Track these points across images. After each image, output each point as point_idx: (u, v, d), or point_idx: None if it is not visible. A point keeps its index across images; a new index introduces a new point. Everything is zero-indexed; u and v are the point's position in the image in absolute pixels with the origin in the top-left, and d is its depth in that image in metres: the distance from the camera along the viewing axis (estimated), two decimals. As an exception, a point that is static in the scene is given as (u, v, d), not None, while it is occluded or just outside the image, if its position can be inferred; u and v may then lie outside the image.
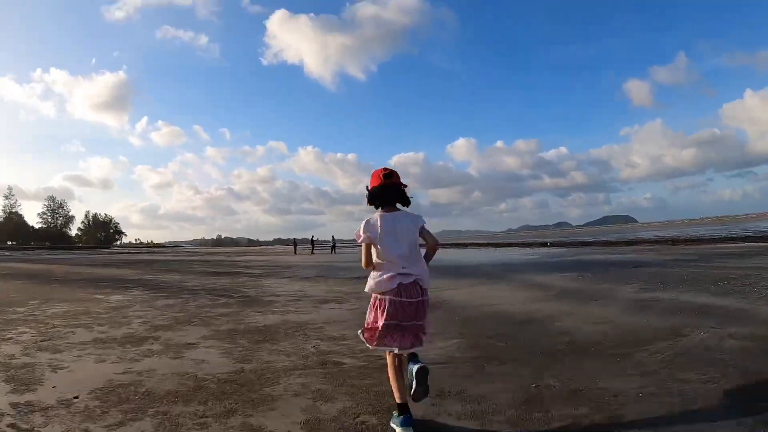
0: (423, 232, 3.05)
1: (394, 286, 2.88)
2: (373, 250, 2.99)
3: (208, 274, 16.37)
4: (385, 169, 3.06)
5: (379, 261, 2.97)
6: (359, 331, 3.05)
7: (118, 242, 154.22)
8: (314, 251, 42.72)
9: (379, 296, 2.95)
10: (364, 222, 3.00)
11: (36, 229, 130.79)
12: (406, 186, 3.08)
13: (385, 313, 2.88)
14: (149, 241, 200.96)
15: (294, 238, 48.09)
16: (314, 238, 47.35)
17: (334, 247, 43.40)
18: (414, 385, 2.82)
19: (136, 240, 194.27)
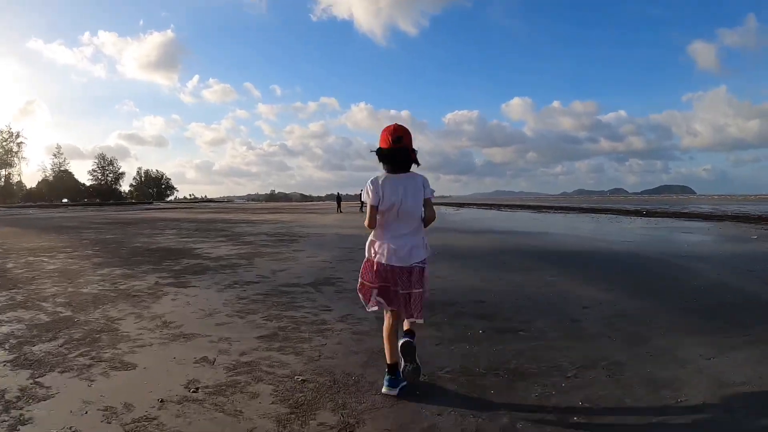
0: (427, 203, 3.03)
1: (386, 251, 2.95)
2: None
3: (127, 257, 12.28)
4: (396, 129, 2.95)
5: (379, 224, 3.01)
6: (358, 289, 3.15)
7: (169, 197, 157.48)
8: (341, 209, 39.21)
9: (372, 258, 3.02)
10: (369, 181, 3.00)
11: (87, 186, 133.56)
12: (415, 151, 3.02)
13: (377, 275, 2.98)
14: (203, 197, 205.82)
15: (338, 193, 43.66)
16: (340, 195, 43.43)
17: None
18: (403, 363, 2.90)
19: (190, 195, 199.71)
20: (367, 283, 3.04)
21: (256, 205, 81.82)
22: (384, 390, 2.92)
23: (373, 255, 3.02)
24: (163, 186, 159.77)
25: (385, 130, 2.98)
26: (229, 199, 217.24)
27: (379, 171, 3.00)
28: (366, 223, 3.03)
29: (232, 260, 8.90)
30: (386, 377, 2.98)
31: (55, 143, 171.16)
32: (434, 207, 3.09)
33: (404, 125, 3.00)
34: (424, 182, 3.00)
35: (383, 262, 2.95)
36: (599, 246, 11.51)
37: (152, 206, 73.22)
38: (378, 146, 2.98)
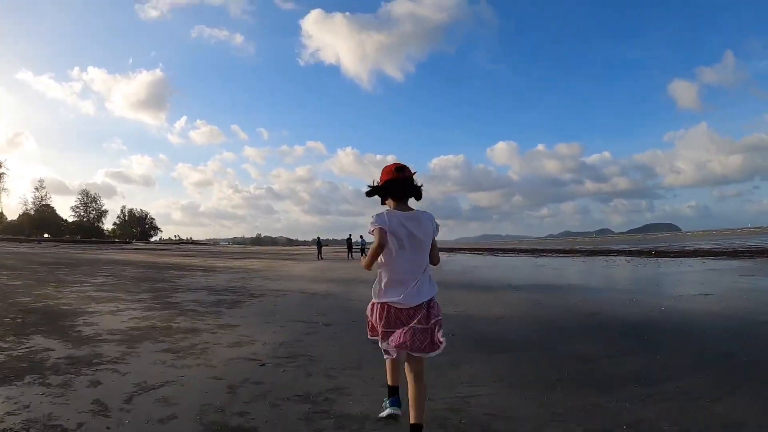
0: (433, 245, 2.93)
1: (395, 292, 2.82)
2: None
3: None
4: (396, 163, 2.92)
5: (385, 264, 2.87)
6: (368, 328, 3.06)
7: (153, 238, 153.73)
8: (352, 255, 34.73)
9: (377, 301, 2.91)
10: (374, 216, 2.82)
11: (69, 223, 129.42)
12: (421, 185, 2.91)
13: (384, 320, 2.86)
14: (188, 238, 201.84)
15: (318, 238, 38.50)
16: (352, 238, 37.87)
17: (363, 250, 34.47)
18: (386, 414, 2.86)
19: (175, 236, 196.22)
20: (377, 327, 2.89)
21: (236, 249, 77.17)
22: (387, 412, 2.97)
23: (376, 298, 2.90)
24: (146, 226, 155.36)
25: (385, 168, 2.92)
26: (215, 242, 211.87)
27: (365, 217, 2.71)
28: (365, 262, 2.93)
29: (101, 348, 4.86)
30: (390, 398, 3.00)
31: (41, 177, 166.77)
32: None
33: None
34: (433, 220, 2.91)
35: (393, 303, 2.81)
36: (690, 309, 7.64)
37: (127, 246, 68.89)
38: (375, 184, 2.92)
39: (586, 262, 24.67)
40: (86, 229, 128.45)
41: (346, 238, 36.35)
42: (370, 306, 3.02)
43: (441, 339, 2.78)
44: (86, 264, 19.99)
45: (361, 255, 31.16)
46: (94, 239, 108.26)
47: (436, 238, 2.95)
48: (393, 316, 2.81)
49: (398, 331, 2.77)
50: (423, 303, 2.82)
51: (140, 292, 10.22)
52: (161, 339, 5.52)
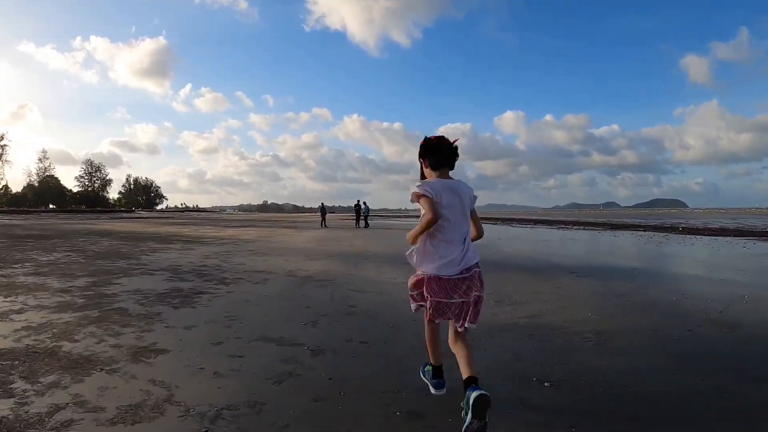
0: (473, 215, 2.81)
1: (441, 263, 2.62)
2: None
3: None
4: (435, 135, 2.79)
5: (434, 230, 2.64)
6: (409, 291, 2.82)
7: (159, 206, 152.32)
8: (361, 223, 31.74)
9: (423, 271, 2.70)
10: (418, 184, 2.64)
11: (74, 193, 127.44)
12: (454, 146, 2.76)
13: (432, 290, 2.64)
14: (195, 206, 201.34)
15: (322, 204, 34.95)
16: (325, 207, 35.09)
17: (366, 217, 31.47)
18: (469, 417, 2.29)
19: (181, 204, 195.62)
20: (420, 297, 2.74)
21: (239, 217, 74.48)
22: (435, 392, 2.84)
23: (424, 268, 2.69)
24: (152, 194, 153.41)
25: (423, 141, 2.82)
26: (221, 209, 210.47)
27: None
28: (412, 235, 2.72)
29: None
30: (435, 381, 2.87)
31: (46, 148, 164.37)
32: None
33: None
34: (471, 190, 2.80)
35: (439, 274, 2.63)
36: None
37: (128, 215, 66.73)
38: (420, 154, 2.81)
39: (618, 236, 21.76)
40: (91, 198, 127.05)
41: (354, 204, 33.09)
42: (413, 279, 2.78)
43: (474, 319, 2.66)
44: (61, 236, 17.47)
45: (358, 223, 27.81)
46: (98, 208, 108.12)
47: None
48: (437, 287, 2.63)
49: (457, 305, 2.65)
50: (471, 271, 2.66)
51: (81, 275, 7.64)
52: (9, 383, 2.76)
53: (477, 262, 2.71)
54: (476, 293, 2.67)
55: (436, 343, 2.85)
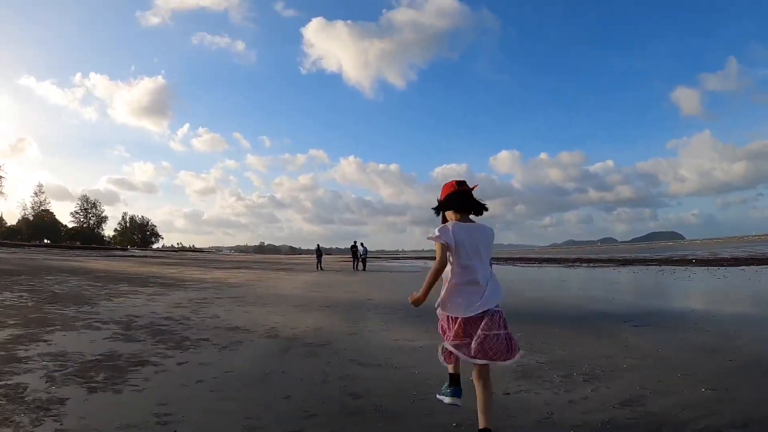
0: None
1: (463, 302, 2.73)
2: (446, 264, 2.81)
3: None
4: (457, 179, 2.95)
5: (453, 274, 2.76)
6: (440, 349, 2.90)
7: (154, 245, 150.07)
8: (359, 266, 29.41)
9: (449, 314, 2.81)
10: (438, 228, 2.80)
11: (68, 229, 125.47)
12: (484, 203, 2.92)
13: (453, 331, 2.76)
14: (191, 246, 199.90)
15: (318, 246, 32.54)
16: (321, 248, 32.68)
17: (364, 259, 29.44)
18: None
19: (178, 244, 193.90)
20: (451, 340, 2.79)
21: (233, 258, 72.28)
22: (450, 401, 2.92)
23: (449, 309, 2.79)
24: (147, 233, 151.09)
25: (446, 184, 2.96)
26: (217, 250, 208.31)
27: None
28: (421, 293, 2.84)
29: None
30: (450, 388, 2.94)
31: (44, 182, 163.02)
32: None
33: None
34: (489, 228, 2.90)
35: (463, 314, 2.73)
36: None
37: (120, 253, 64.60)
38: (437, 204, 2.97)
39: (638, 272, 20.02)
40: (85, 235, 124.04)
41: (351, 245, 30.53)
42: (441, 318, 2.90)
43: (511, 352, 2.68)
44: (31, 273, 15.57)
45: (356, 265, 25.74)
46: (93, 245, 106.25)
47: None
48: (463, 327, 2.72)
49: (474, 342, 2.67)
50: (492, 309, 2.73)
51: (12, 324, 6.10)
52: None
53: (497, 303, 2.75)
54: (496, 332, 2.66)
55: (457, 359, 2.83)
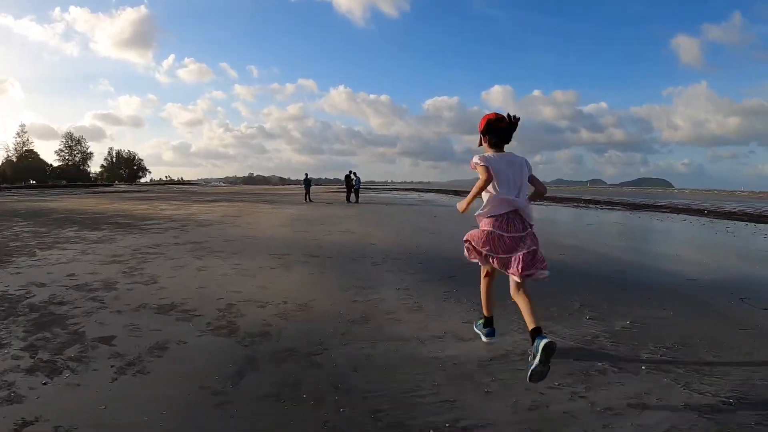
0: (533, 179, 3.03)
1: (500, 213, 2.87)
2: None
3: None
4: (496, 113, 3.04)
5: (489, 195, 2.92)
6: (464, 242, 3.07)
7: (142, 179, 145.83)
8: (353, 197, 26.85)
9: (485, 228, 2.92)
10: (477, 156, 2.96)
11: (54, 168, 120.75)
12: (514, 118, 3.03)
13: (488, 244, 2.89)
14: (179, 178, 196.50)
15: (306, 176, 29.04)
16: (309, 178, 29.25)
17: (357, 190, 26.71)
18: (537, 362, 2.52)
19: (166, 177, 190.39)
20: (481, 249, 2.95)
21: (220, 190, 69.12)
22: (486, 340, 3.20)
23: (487, 226, 2.92)
24: (135, 167, 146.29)
25: (485, 117, 3.04)
26: (206, 182, 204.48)
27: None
28: (465, 202, 3.04)
29: None
30: (486, 329, 3.22)
31: (28, 122, 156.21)
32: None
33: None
34: (526, 161, 3.02)
35: (496, 231, 2.87)
36: None
37: (104, 189, 61.33)
38: (480, 128, 3.05)
39: (664, 220, 17.80)
40: (71, 173, 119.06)
41: (344, 175, 27.54)
42: (475, 234, 3.00)
43: (540, 265, 2.85)
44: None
45: (348, 198, 23.14)
46: (78, 183, 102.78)
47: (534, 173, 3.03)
48: (498, 242, 2.87)
49: (513, 258, 2.83)
50: (527, 229, 2.89)
51: None
52: None
53: (532, 223, 2.92)
54: (533, 246, 2.83)
55: (490, 296, 3.16)
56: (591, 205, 27.42)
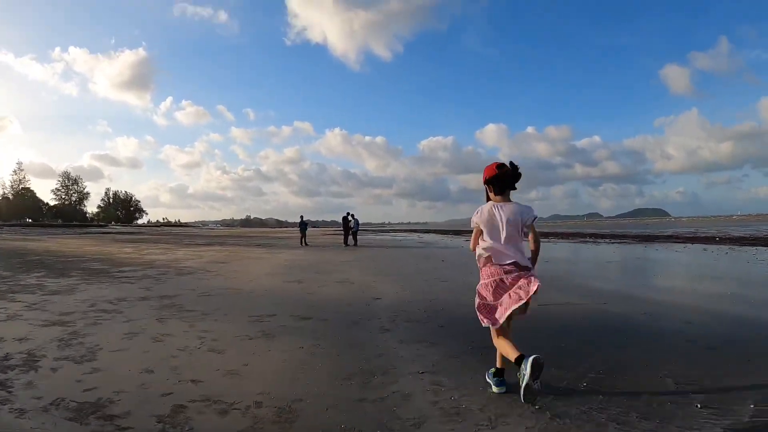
0: (531, 229, 3.12)
1: (497, 266, 3.05)
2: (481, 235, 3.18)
3: None
4: (497, 162, 3.17)
5: (484, 247, 3.11)
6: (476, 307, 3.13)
7: (139, 220, 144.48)
8: (350, 241, 25.33)
9: (486, 278, 3.11)
10: (477, 210, 3.20)
11: (50, 206, 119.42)
12: (515, 168, 3.14)
13: (493, 290, 3.04)
14: (176, 221, 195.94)
15: (302, 218, 26.56)
16: (305, 221, 26.82)
17: (355, 233, 25.28)
18: (527, 377, 2.71)
19: (163, 219, 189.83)
20: (488, 302, 3.08)
21: (216, 232, 67.67)
22: (496, 390, 3.12)
23: (487, 275, 3.10)
24: (131, 208, 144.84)
25: (487, 168, 3.20)
26: (203, 224, 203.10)
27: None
28: (471, 245, 3.29)
29: None
30: (495, 379, 3.17)
31: (27, 161, 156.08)
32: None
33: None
34: (527, 209, 3.11)
35: (497, 274, 3.04)
36: None
37: (96, 229, 59.87)
38: (484, 179, 3.21)
39: (682, 252, 16.65)
40: (67, 212, 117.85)
41: (343, 217, 25.63)
42: (479, 288, 3.15)
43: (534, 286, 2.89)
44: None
45: (345, 240, 21.82)
46: (74, 223, 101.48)
47: (534, 223, 3.12)
48: (500, 286, 3.01)
49: (505, 298, 2.98)
50: (522, 270, 3.01)
51: None
52: None
53: (526, 266, 3.04)
54: (528, 275, 2.98)
55: (503, 345, 3.06)
56: (599, 240, 26.08)
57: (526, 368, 2.69)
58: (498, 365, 3.19)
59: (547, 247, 19.37)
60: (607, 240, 26.42)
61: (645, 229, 46.85)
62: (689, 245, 20.09)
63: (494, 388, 3.10)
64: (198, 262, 12.80)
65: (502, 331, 3.06)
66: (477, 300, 3.10)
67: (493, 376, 3.15)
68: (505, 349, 3.01)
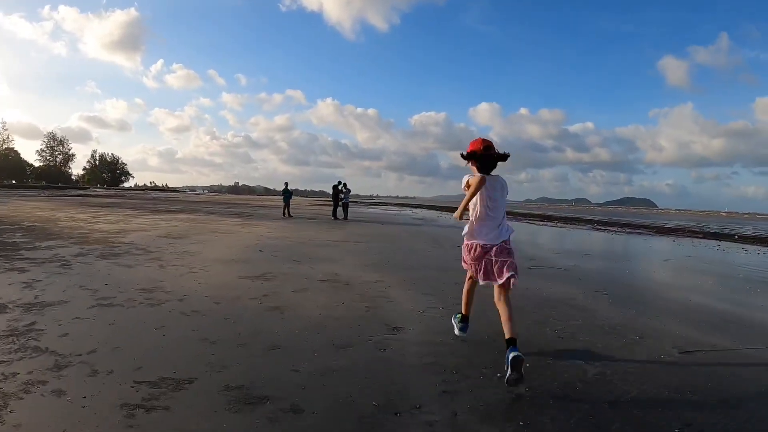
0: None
1: (482, 234, 3.21)
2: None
3: None
4: (484, 140, 3.24)
5: (473, 215, 3.25)
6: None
7: (125, 183, 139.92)
8: (290, 211, 22.56)
9: (468, 243, 3.30)
10: (466, 177, 3.23)
11: (34, 168, 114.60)
12: (504, 155, 3.23)
13: (471, 254, 3.25)
14: (164, 185, 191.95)
15: (286, 185, 23.30)
16: (290, 189, 23.73)
17: (346, 205, 22.40)
18: (509, 371, 2.78)
19: (150, 183, 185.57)
20: (468, 261, 3.29)
21: (200, 198, 64.23)
22: (458, 333, 3.63)
23: (471, 239, 3.27)
24: (118, 171, 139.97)
25: (473, 141, 3.28)
26: (191, 189, 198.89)
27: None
28: (457, 214, 3.30)
29: None
30: (461, 324, 3.62)
31: (14, 120, 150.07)
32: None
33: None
34: (506, 184, 3.32)
35: (481, 243, 3.21)
36: None
37: (76, 191, 56.43)
38: (467, 152, 3.24)
39: (699, 246, 14.27)
40: (52, 174, 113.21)
41: (333, 185, 22.43)
42: (463, 246, 3.36)
43: (507, 273, 3.06)
44: None
45: (335, 213, 18.80)
46: (59, 185, 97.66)
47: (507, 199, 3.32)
48: (479, 253, 3.19)
49: (482, 264, 3.17)
50: (501, 242, 3.19)
51: None
52: None
53: (507, 237, 3.22)
54: (505, 258, 3.11)
55: (469, 297, 3.55)
56: (610, 228, 23.58)
57: (508, 363, 2.77)
58: (463, 312, 3.60)
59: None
60: (603, 228, 23.91)
61: (643, 219, 44.63)
62: (703, 240, 17.77)
63: (457, 331, 3.64)
64: (146, 237, 9.97)
65: (471, 286, 3.49)
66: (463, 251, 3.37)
67: (459, 321, 3.65)
68: (465, 301, 3.57)
